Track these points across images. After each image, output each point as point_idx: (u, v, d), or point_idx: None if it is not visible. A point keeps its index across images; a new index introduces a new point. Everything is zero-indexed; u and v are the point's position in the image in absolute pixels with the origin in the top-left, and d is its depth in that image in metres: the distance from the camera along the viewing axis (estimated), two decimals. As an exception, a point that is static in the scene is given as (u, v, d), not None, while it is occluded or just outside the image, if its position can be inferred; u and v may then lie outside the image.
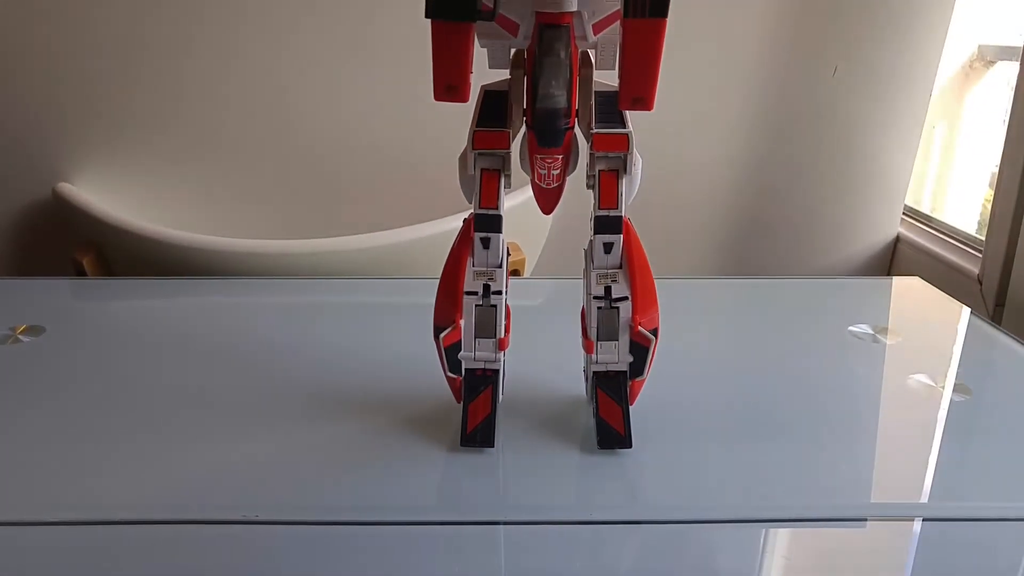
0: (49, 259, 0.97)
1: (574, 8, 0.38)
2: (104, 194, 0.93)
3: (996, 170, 0.87)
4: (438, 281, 0.43)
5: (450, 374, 0.43)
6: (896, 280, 0.76)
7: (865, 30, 0.92)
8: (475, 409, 0.43)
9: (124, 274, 0.87)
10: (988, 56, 1.18)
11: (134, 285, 0.71)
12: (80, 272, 0.87)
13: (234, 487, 0.40)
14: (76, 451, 0.43)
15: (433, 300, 0.43)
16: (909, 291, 0.73)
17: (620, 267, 0.42)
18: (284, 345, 0.57)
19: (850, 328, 0.62)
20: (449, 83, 0.36)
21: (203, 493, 0.40)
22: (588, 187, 0.42)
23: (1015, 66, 0.83)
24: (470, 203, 0.42)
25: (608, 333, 0.42)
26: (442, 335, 0.42)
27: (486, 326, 0.42)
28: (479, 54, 0.38)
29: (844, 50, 0.92)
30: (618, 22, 0.36)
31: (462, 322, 0.42)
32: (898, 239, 1.01)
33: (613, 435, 0.43)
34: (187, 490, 0.40)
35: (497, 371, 0.43)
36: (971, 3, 1.02)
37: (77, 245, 0.89)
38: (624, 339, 0.42)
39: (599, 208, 0.41)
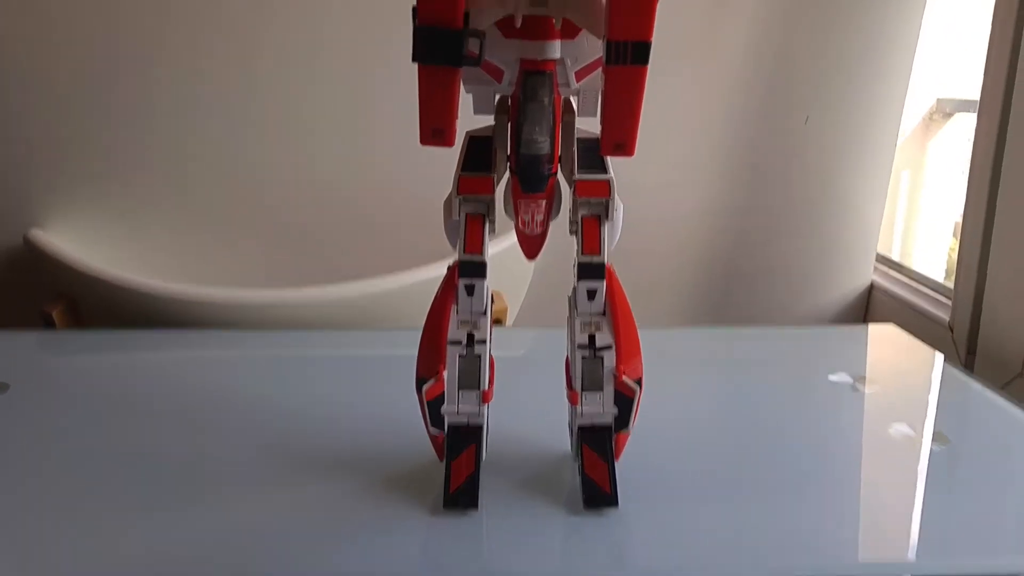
0: (16, 311, 0.95)
1: (557, 56, 0.39)
2: (78, 242, 0.91)
3: (960, 219, 0.89)
4: (421, 331, 0.42)
5: (432, 430, 0.42)
6: (872, 327, 0.77)
7: (833, 82, 0.95)
8: (458, 467, 0.41)
9: (96, 326, 0.85)
10: (947, 109, 1.22)
11: (106, 337, 0.69)
12: (49, 324, 0.85)
13: (210, 555, 0.38)
14: (37, 522, 0.41)
15: (416, 351, 0.42)
16: (884, 338, 0.73)
17: (604, 314, 0.41)
18: (261, 401, 0.55)
19: (829, 377, 0.62)
20: (435, 127, 0.36)
21: (177, 563, 0.38)
22: (571, 233, 0.42)
23: (973, 118, 0.86)
24: (454, 249, 0.41)
25: (593, 383, 0.41)
26: (425, 387, 0.41)
27: (470, 377, 0.41)
28: (464, 100, 0.38)
29: (814, 101, 0.95)
30: (600, 69, 0.36)
31: (445, 373, 0.41)
32: (872, 287, 1.03)
33: (599, 494, 0.42)
34: (160, 560, 0.38)
35: (480, 426, 0.42)
36: (928, 58, 1.05)
37: (47, 296, 0.87)
38: (609, 389, 0.41)
39: (582, 254, 0.41)
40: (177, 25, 0.89)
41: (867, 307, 1.02)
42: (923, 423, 0.55)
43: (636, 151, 0.37)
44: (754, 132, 0.95)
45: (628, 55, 0.35)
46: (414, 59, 0.34)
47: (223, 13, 0.90)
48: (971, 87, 1.18)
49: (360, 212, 0.94)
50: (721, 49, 0.93)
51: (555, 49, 0.38)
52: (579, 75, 0.40)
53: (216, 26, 0.90)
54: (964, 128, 1.19)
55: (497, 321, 0.85)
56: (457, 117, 0.36)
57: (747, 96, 0.94)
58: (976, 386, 0.62)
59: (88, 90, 0.89)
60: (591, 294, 0.41)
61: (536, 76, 0.38)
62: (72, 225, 0.92)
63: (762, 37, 0.92)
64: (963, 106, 1.20)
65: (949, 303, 0.88)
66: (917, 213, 1.20)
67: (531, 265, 0.87)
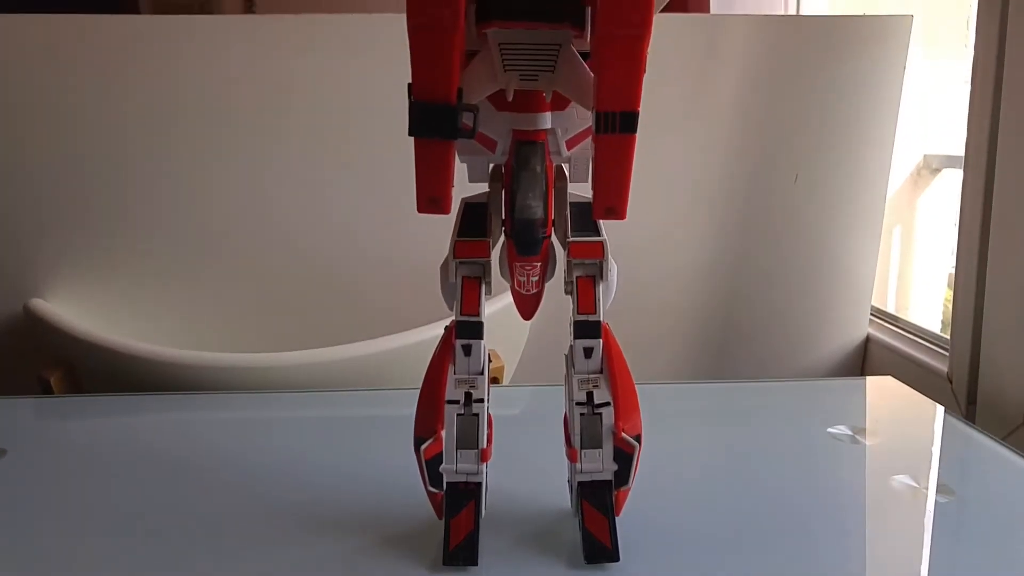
0: (14, 378, 0.95)
1: (548, 126, 0.40)
2: (76, 309, 0.92)
3: (953, 271, 0.90)
4: (419, 391, 0.42)
5: (431, 488, 0.42)
6: (870, 380, 0.77)
7: (820, 142, 0.97)
8: (457, 525, 0.42)
9: (94, 391, 0.85)
10: (934, 164, 1.25)
11: (103, 402, 0.69)
12: (47, 390, 0.85)
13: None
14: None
15: (414, 411, 0.42)
16: (883, 391, 0.74)
17: (601, 372, 0.42)
18: (260, 462, 0.56)
19: (829, 430, 0.62)
20: (432, 196, 0.37)
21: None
22: (566, 293, 0.43)
23: (959, 173, 0.88)
24: (451, 311, 0.42)
25: (592, 440, 0.41)
26: (423, 447, 0.41)
27: (468, 436, 0.41)
28: (459, 168, 0.40)
29: (803, 160, 0.97)
30: (590, 138, 0.38)
31: (443, 432, 0.41)
32: (868, 339, 1.03)
33: (600, 548, 0.42)
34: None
35: (480, 484, 0.42)
36: (913, 116, 1.08)
37: (45, 362, 0.87)
38: (608, 446, 0.41)
39: (578, 313, 0.42)
40: (176, 104, 0.92)
41: (864, 359, 1.03)
42: (926, 475, 0.54)
43: (628, 212, 0.38)
44: (745, 191, 0.97)
45: (616, 125, 0.36)
46: (411, 133, 0.36)
47: (220, 93, 0.93)
48: (956, 143, 1.21)
49: (359, 276, 0.96)
50: (708, 112, 0.95)
51: (546, 120, 0.40)
52: (570, 143, 0.41)
53: (213, 104, 0.92)
54: (952, 183, 1.21)
55: (494, 380, 0.85)
56: (453, 186, 0.38)
57: (736, 156, 0.96)
58: (979, 437, 0.62)
59: (88, 164, 0.91)
60: (588, 352, 0.42)
61: (528, 146, 0.40)
62: (71, 294, 0.93)
63: (748, 101, 0.95)
64: (949, 162, 1.23)
65: (946, 354, 0.89)
66: (910, 266, 1.21)
67: (527, 324, 0.88)
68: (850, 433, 0.61)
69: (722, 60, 0.95)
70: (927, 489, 0.52)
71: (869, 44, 0.95)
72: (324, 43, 0.93)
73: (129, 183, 0.93)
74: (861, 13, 1.05)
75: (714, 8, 1.27)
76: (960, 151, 0.88)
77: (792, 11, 1.32)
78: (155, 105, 0.92)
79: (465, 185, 0.42)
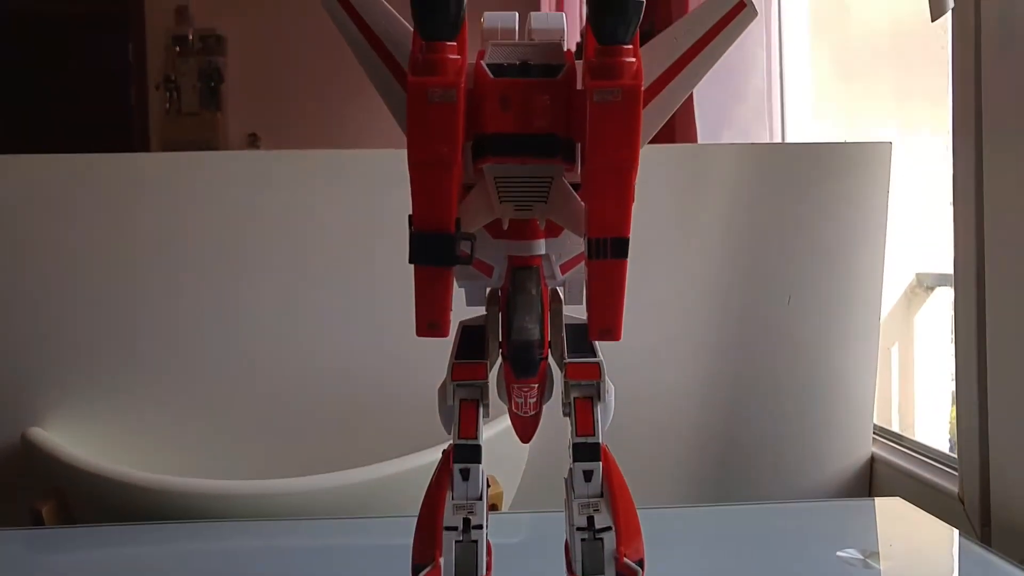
0: (6, 510, 0.93)
1: (543, 252, 0.42)
2: (75, 438, 0.91)
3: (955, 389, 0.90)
4: (416, 517, 0.42)
5: (429, 620, 0.41)
6: (878, 501, 0.75)
7: (812, 263, 0.99)
8: (457, 654, 0.40)
9: (88, 523, 0.84)
10: (927, 283, 1.27)
11: (96, 533, 0.68)
12: (38, 522, 0.83)
13: None
14: None
15: (411, 539, 0.42)
16: (892, 512, 0.72)
17: (601, 495, 0.42)
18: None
19: (839, 553, 0.61)
20: (431, 320, 0.38)
21: None
22: (564, 415, 0.43)
23: (951, 291, 0.89)
24: (449, 434, 0.42)
25: (594, 567, 0.41)
26: (421, 575, 0.40)
27: (467, 564, 0.41)
28: (457, 293, 0.41)
29: (795, 281, 0.99)
30: (583, 263, 0.39)
31: (442, 560, 0.40)
32: (873, 459, 1.02)
33: (603, 677, 0.40)
34: None
35: (480, 615, 0.41)
36: (902, 235, 1.11)
37: (38, 493, 0.86)
38: (610, 572, 0.40)
39: (576, 435, 0.42)
40: (177, 237, 0.95)
41: (871, 480, 1.01)
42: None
43: (624, 332, 0.39)
44: (738, 312, 0.99)
45: (608, 250, 0.37)
46: (411, 261, 0.37)
47: (222, 227, 0.96)
48: (946, 262, 1.24)
49: (355, 401, 0.96)
50: (698, 236, 0.98)
51: (540, 247, 0.41)
52: (564, 268, 0.43)
53: (210, 225, 0.95)
54: (946, 300, 1.23)
55: (493, 506, 0.83)
56: (451, 310, 0.39)
57: (728, 278, 0.98)
58: (998, 562, 0.60)
59: (91, 295, 0.93)
60: (587, 475, 0.42)
61: (524, 270, 0.41)
62: (70, 423, 0.93)
63: (737, 225, 0.98)
64: (943, 280, 1.24)
65: (956, 474, 0.87)
66: (912, 385, 1.21)
67: (526, 449, 0.87)
68: (861, 557, 0.60)
69: (711, 186, 0.99)
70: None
71: (853, 169, 0.99)
72: (327, 177, 0.97)
73: (131, 314, 0.94)
74: (843, 140, 1.10)
75: (701, 137, 1.33)
76: (951, 269, 0.90)
77: (777, 138, 1.38)
78: (157, 239, 0.95)
79: (463, 309, 0.43)
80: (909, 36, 1.31)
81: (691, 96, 1.01)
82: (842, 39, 1.49)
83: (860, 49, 1.45)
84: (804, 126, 1.44)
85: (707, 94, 1.34)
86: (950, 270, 0.90)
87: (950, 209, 0.89)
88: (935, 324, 1.22)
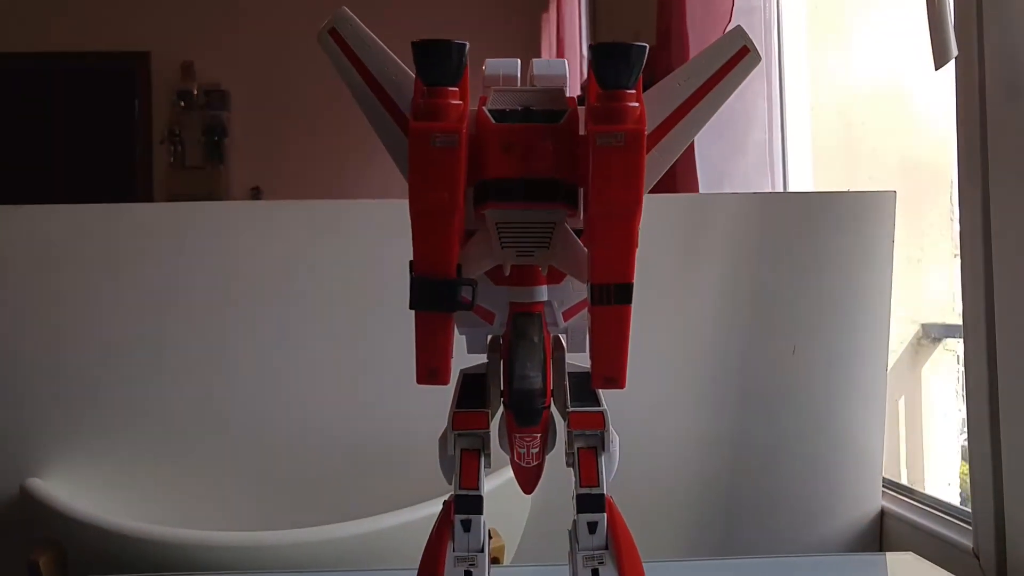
0: (3, 562, 0.91)
1: (544, 299, 0.41)
2: (74, 488, 0.90)
3: (964, 441, 0.88)
4: (416, 570, 0.41)
5: None
6: (890, 556, 0.73)
7: (816, 313, 0.99)
8: None
9: (86, 574, 0.82)
10: (933, 334, 1.26)
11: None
12: (35, 574, 0.81)
13: None
14: None
15: (411, 592, 0.40)
16: (906, 568, 0.70)
17: (606, 547, 0.40)
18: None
19: (851, 611, 0.59)
20: (431, 367, 0.38)
21: None
22: (568, 465, 0.42)
23: (958, 343, 0.88)
24: (450, 484, 0.41)
25: (599, 622, 0.39)
26: (421, 631, 0.39)
27: (468, 618, 0.39)
28: (458, 340, 0.40)
29: (799, 331, 0.98)
30: (586, 309, 0.39)
31: (442, 616, 0.39)
32: (883, 512, 0.99)
33: None
34: None
35: (481, 674, 0.39)
36: (906, 287, 1.11)
37: (35, 545, 0.84)
38: (616, 629, 0.39)
39: (580, 486, 0.41)
40: (172, 282, 0.95)
41: (881, 534, 0.98)
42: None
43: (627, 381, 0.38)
44: (740, 363, 0.98)
45: (612, 296, 0.37)
46: (412, 306, 0.37)
47: (224, 277, 0.96)
48: (951, 313, 1.23)
49: (353, 452, 0.94)
50: (700, 285, 0.98)
51: (542, 293, 0.41)
52: (566, 315, 0.42)
53: (210, 281, 0.95)
54: (953, 352, 1.22)
55: (495, 560, 0.81)
56: (452, 357, 0.38)
57: (729, 329, 0.97)
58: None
59: (90, 344, 0.93)
60: (592, 527, 0.40)
61: (526, 317, 0.40)
62: (70, 474, 0.92)
63: (739, 275, 0.98)
64: (949, 331, 1.24)
65: (969, 527, 0.85)
66: (919, 438, 1.19)
67: (528, 501, 0.86)
68: (875, 615, 0.58)
69: (713, 236, 0.99)
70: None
71: (856, 218, 0.99)
72: (329, 227, 0.98)
73: (132, 365, 0.94)
74: (846, 190, 1.10)
75: (702, 187, 1.34)
76: (957, 320, 0.89)
77: (779, 188, 1.39)
78: (158, 289, 0.94)
79: (463, 357, 0.42)
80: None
81: (692, 145, 1.01)
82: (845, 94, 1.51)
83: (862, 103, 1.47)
84: (805, 178, 1.45)
85: (707, 148, 1.35)
86: (956, 321, 0.89)
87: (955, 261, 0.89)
88: (942, 376, 1.21)
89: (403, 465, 0.86)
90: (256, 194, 3.78)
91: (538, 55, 3.14)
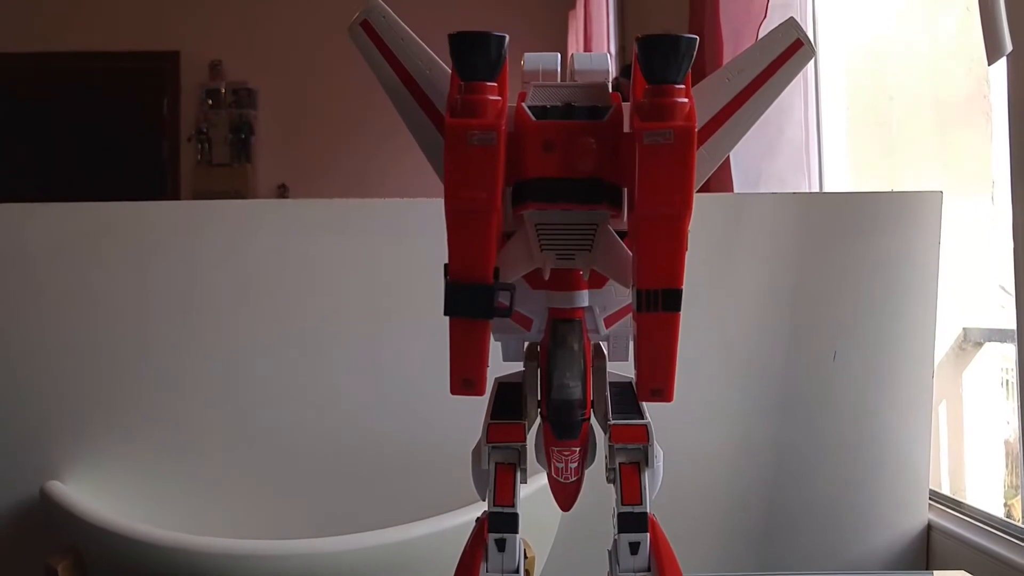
0: (23, 565, 0.91)
1: (585, 304, 0.39)
2: (94, 492, 0.89)
3: (1011, 450, 0.85)
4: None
5: None
6: (938, 575, 0.70)
7: (858, 316, 0.96)
8: None
9: (103, 581, 0.81)
10: (974, 338, 1.22)
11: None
12: (53, 580, 0.81)
13: None
14: None
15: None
16: (955, 586, 0.67)
17: (648, 569, 0.38)
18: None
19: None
20: (466, 377, 0.36)
21: None
22: (608, 481, 0.40)
23: (1001, 347, 0.85)
24: (483, 499, 0.39)
25: (641, 646, 0.37)
26: (452, 654, 0.37)
27: (502, 640, 0.37)
28: (493, 347, 0.38)
29: (840, 335, 0.95)
30: (629, 316, 0.37)
31: (475, 637, 0.37)
32: (930, 527, 0.96)
33: None
34: None
35: None
36: (949, 289, 1.07)
37: (54, 549, 0.83)
38: (658, 653, 0.37)
39: (622, 504, 0.39)
40: (194, 282, 0.94)
41: (928, 550, 0.95)
42: None
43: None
44: (780, 368, 0.95)
45: (659, 303, 0.35)
46: (446, 313, 0.35)
47: (246, 276, 0.95)
48: (994, 316, 1.19)
49: (383, 461, 0.93)
50: (737, 289, 0.95)
51: (583, 298, 0.39)
52: (608, 321, 0.40)
53: (232, 280, 0.95)
54: (997, 357, 1.18)
55: (526, 572, 0.79)
56: (487, 366, 0.36)
57: (768, 333, 0.95)
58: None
59: (113, 347, 0.93)
60: (634, 547, 0.38)
61: (565, 324, 0.38)
62: (90, 477, 0.91)
63: (777, 277, 0.95)
64: (993, 335, 1.19)
65: (1021, 544, 0.81)
66: (962, 445, 1.15)
67: (558, 512, 0.84)
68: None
69: (750, 237, 0.96)
70: None
71: (900, 220, 0.96)
72: (355, 227, 0.96)
73: (154, 365, 0.93)
74: (889, 190, 1.07)
75: (737, 187, 1.31)
76: (1001, 324, 0.85)
77: (815, 187, 1.35)
78: (180, 290, 0.94)
79: (499, 364, 0.40)
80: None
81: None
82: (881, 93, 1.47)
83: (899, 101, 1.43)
84: (841, 178, 1.41)
85: (741, 145, 1.31)
86: (999, 325, 0.86)
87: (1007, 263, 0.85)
88: (986, 381, 1.17)
89: (429, 473, 0.84)
90: (283, 191, 3.79)
91: (564, 48, 3.11)
